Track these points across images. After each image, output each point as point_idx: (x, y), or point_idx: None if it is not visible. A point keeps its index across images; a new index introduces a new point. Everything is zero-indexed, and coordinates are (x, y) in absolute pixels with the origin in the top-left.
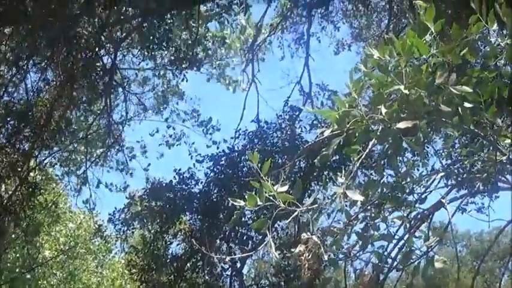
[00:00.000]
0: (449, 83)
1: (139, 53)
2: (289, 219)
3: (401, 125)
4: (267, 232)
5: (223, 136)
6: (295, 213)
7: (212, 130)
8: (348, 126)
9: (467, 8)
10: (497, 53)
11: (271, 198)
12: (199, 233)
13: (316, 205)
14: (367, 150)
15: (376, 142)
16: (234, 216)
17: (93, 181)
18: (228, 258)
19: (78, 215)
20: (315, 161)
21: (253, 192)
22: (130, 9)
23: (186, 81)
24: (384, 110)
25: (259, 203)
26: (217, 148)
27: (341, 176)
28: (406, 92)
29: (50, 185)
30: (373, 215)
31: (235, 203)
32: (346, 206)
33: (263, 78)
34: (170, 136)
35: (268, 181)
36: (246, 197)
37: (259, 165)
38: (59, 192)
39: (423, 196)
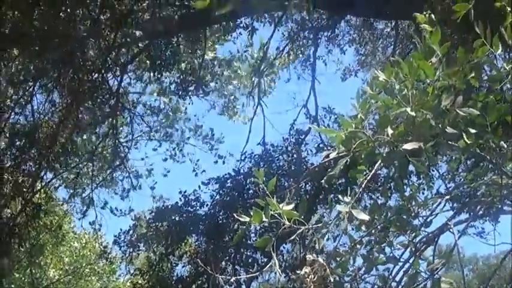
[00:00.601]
0: (455, 106)
1: (145, 75)
2: (293, 237)
3: (408, 146)
4: (272, 252)
5: (230, 159)
6: (300, 230)
7: (216, 144)
8: (354, 147)
9: (472, 32)
10: (502, 77)
11: (276, 216)
12: (205, 254)
13: (321, 224)
14: (373, 172)
15: (382, 164)
16: (239, 232)
17: (98, 203)
18: (233, 278)
19: (82, 235)
20: (322, 181)
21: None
22: (137, 31)
23: (192, 104)
24: (390, 132)
25: (264, 219)
26: (224, 163)
27: (347, 197)
28: (413, 114)
29: (55, 207)
30: (378, 238)
31: (241, 219)
32: (352, 229)
33: (269, 101)
34: (173, 149)
35: (274, 199)
36: (252, 213)
37: (264, 183)
38: (63, 214)
39: (428, 220)
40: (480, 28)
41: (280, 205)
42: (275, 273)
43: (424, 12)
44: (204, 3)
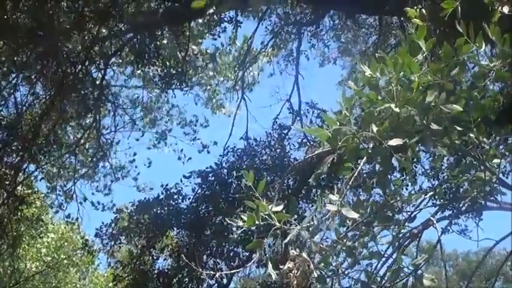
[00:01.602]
0: (439, 102)
1: (128, 68)
2: (287, 238)
3: (393, 142)
4: (260, 250)
5: (213, 154)
6: (294, 231)
7: (200, 128)
8: (340, 144)
9: (456, 30)
10: (486, 74)
11: (266, 217)
12: (186, 248)
13: (316, 224)
14: (359, 168)
15: (366, 160)
16: (235, 237)
17: (80, 196)
18: (218, 274)
19: (60, 227)
20: (306, 177)
21: (246, 211)
22: (121, 24)
23: (175, 97)
24: (375, 128)
25: (256, 222)
26: (208, 152)
27: (333, 194)
28: (397, 110)
29: (37, 199)
30: (362, 233)
31: (234, 224)
32: (337, 225)
33: (252, 95)
34: (156, 139)
35: (263, 200)
36: (242, 216)
37: (254, 183)
38: (44, 206)
39: (412, 215)
40: (463, 26)
41: (269, 206)
42: (256, 267)
43: (415, 7)
44: (200, 3)
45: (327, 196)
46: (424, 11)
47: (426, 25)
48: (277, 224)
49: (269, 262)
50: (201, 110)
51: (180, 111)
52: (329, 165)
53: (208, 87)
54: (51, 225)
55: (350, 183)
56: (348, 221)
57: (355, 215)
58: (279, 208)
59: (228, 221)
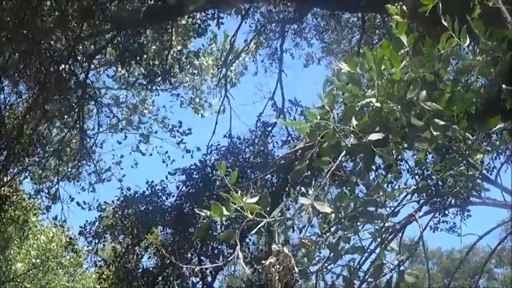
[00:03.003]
0: (420, 99)
1: (112, 66)
2: (254, 230)
3: (373, 136)
4: (237, 243)
5: (197, 155)
6: (262, 223)
7: (183, 135)
8: (319, 138)
9: (439, 24)
10: (469, 69)
11: (239, 209)
12: (171, 246)
13: (284, 216)
14: (337, 162)
15: (347, 155)
16: (200, 226)
17: (65, 196)
18: (197, 268)
19: (49, 228)
20: (288, 175)
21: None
22: (104, 23)
23: (158, 95)
24: (354, 122)
25: (225, 213)
26: (192, 157)
27: (311, 189)
28: (378, 104)
29: (22, 200)
30: (345, 228)
31: (202, 213)
32: (318, 219)
33: (236, 93)
34: (139, 142)
35: (237, 192)
36: (212, 207)
37: (227, 176)
38: (29, 207)
39: (395, 210)
40: (448, 21)
41: (244, 198)
42: (241, 267)
43: (396, 4)
44: None
45: (305, 191)
46: (404, 7)
47: (407, 21)
48: (249, 216)
49: (240, 256)
50: (184, 111)
51: (164, 111)
52: (308, 161)
53: (192, 86)
54: (40, 226)
55: (327, 176)
56: (331, 215)
57: (328, 210)
58: (253, 200)
59: (197, 211)
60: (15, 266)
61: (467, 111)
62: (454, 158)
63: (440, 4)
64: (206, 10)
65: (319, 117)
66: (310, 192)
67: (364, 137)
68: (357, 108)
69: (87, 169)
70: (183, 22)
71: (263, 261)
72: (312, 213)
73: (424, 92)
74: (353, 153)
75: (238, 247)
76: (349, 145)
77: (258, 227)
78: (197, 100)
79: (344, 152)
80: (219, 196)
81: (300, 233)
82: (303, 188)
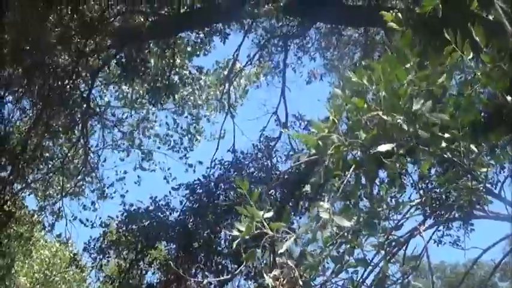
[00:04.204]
0: (425, 111)
1: (116, 81)
2: (284, 247)
3: (382, 148)
4: (254, 261)
5: (200, 168)
6: (288, 241)
7: (186, 151)
8: (330, 151)
9: (441, 38)
10: (472, 81)
11: (259, 225)
12: (175, 261)
13: (310, 232)
14: (348, 176)
15: (356, 168)
16: (234, 246)
17: (68, 212)
18: (205, 281)
19: (53, 243)
20: (307, 188)
21: (242, 219)
22: (107, 38)
23: (162, 110)
24: (363, 135)
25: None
26: (194, 172)
27: (325, 201)
28: (385, 117)
29: (26, 215)
30: (348, 240)
31: (231, 233)
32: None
33: (239, 108)
34: (142, 159)
35: (256, 209)
36: (237, 226)
37: (247, 192)
38: (33, 222)
39: (399, 223)
40: (450, 34)
41: (260, 213)
42: (245, 279)
43: (391, 11)
44: None
45: (318, 204)
46: (400, 15)
47: (409, 32)
48: (270, 232)
49: (264, 273)
50: (188, 124)
51: (167, 128)
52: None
53: (195, 100)
54: (43, 241)
55: (340, 190)
56: (334, 229)
57: (348, 223)
58: (269, 215)
59: (224, 230)
60: (19, 280)
61: (471, 123)
62: (457, 171)
63: (440, 12)
64: (210, 25)
65: (326, 130)
66: (325, 205)
67: (371, 149)
68: (363, 122)
69: (90, 186)
70: (187, 38)
71: (267, 275)
72: (332, 227)
73: (429, 103)
74: (361, 166)
75: (244, 265)
76: (357, 158)
77: (285, 246)
78: (200, 115)
79: (353, 166)
80: (223, 212)
81: (305, 246)
82: (306, 203)
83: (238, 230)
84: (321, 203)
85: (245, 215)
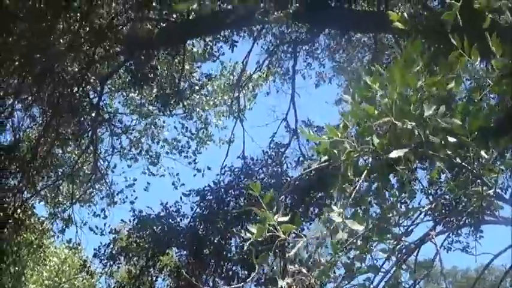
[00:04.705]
0: (438, 116)
1: (125, 87)
2: (295, 249)
3: (393, 154)
4: (266, 265)
5: (209, 173)
6: (300, 244)
7: (193, 156)
8: (343, 157)
9: (450, 43)
10: (482, 87)
11: (271, 228)
12: (186, 268)
13: (320, 235)
14: (360, 181)
15: (369, 174)
16: (245, 248)
17: (78, 219)
18: None
19: (62, 250)
20: (331, 191)
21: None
22: (117, 45)
23: (172, 116)
24: (376, 140)
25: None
26: (202, 176)
27: (337, 207)
28: (397, 123)
29: (36, 223)
30: (358, 247)
31: (243, 235)
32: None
33: (249, 114)
34: (150, 163)
35: (269, 212)
36: (249, 228)
37: (260, 195)
38: (43, 230)
39: (409, 229)
40: (456, 40)
41: (275, 217)
42: (255, 286)
43: (397, 11)
44: (185, 6)
45: (330, 209)
46: (405, 15)
47: (419, 39)
48: (282, 235)
49: (277, 278)
50: (197, 130)
51: (176, 132)
52: (319, 179)
53: (205, 107)
54: (53, 248)
55: (352, 195)
56: (345, 234)
57: (360, 227)
58: (285, 219)
59: (235, 232)
60: (29, 286)
61: (481, 129)
62: (467, 177)
63: (460, 21)
64: (219, 32)
65: (339, 134)
66: (336, 209)
67: (384, 155)
68: (374, 127)
69: (100, 193)
70: (196, 45)
71: (279, 282)
72: (345, 232)
73: (443, 108)
74: (371, 172)
75: (256, 271)
76: (369, 164)
77: (296, 248)
78: (210, 120)
79: (365, 171)
80: (233, 218)
81: (315, 253)
82: (316, 209)
83: (250, 232)
84: (333, 207)
85: (258, 218)
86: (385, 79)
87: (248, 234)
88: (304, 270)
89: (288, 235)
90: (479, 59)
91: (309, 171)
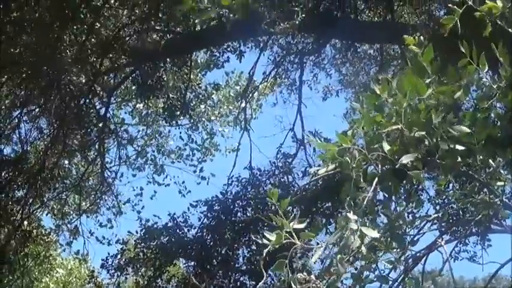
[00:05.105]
0: (447, 123)
1: (131, 100)
2: (316, 256)
3: (405, 159)
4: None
5: (214, 180)
6: (319, 252)
7: (198, 164)
8: (353, 165)
9: (458, 52)
10: (490, 96)
11: (287, 235)
12: (194, 278)
13: (339, 241)
14: (372, 189)
15: (380, 182)
16: (264, 255)
17: (85, 230)
18: None
19: (69, 261)
20: (342, 199)
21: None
22: (123, 56)
23: (179, 128)
24: (387, 147)
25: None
26: (207, 184)
27: (352, 214)
28: (406, 131)
29: (43, 235)
30: (364, 257)
31: (260, 241)
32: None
33: (255, 125)
34: (154, 172)
35: (285, 219)
36: (266, 235)
37: (277, 202)
38: (50, 241)
39: (415, 238)
40: (465, 48)
41: (291, 224)
42: None
43: (414, 35)
44: (206, 15)
45: (345, 216)
46: (422, 38)
47: (430, 48)
48: (298, 242)
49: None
50: (203, 141)
51: (183, 142)
52: (327, 188)
53: (211, 117)
54: (60, 259)
55: (365, 203)
56: (355, 244)
57: (376, 234)
58: (302, 226)
59: (254, 238)
60: None
61: (488, 137)
62: (474, 186)
63: (459, 27)
64: (225, 43)
65: (349, 142)
66: (351, 216)
67: (395, 161)
68: (383, 135)
69: (107, 203)
70: (202, 55)
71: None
72: (360, 239)
73: (451, 115)
74: (384, 179)
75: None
76: (379, 171)
77: (318, 255)
78: (216, 131)
79: (376, 179)
80: (241, 229)
81: (322, 263)
82: (324, 219)
83: (268, 239)
84: (349, 214)
85: (266, 228)
86: (394, 88)
87: (265, 241)
88: (314, 278)
89: (305, 243)
90: (486, 67)
91: (316, 180)
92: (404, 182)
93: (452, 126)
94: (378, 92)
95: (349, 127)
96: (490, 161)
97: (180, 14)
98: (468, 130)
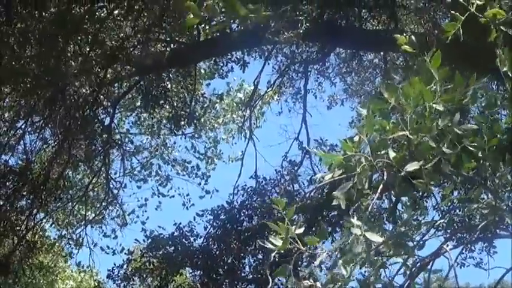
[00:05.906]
0: (453, 126)
1: (136, 111)
2: (318, 260)
3: (410, 167)
4: (290, 276)
5: (218, 194)
6: (322, 257)
7: (203, 177)
8: (358, 170)
9: (466, 61)
10: (497, 102)
11: (291, 241)
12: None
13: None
14: (377, 195)
15: (383, 189)
16: (270, 260)
17: (91, 241)
18: None
19: (77, 273)
20: (339, 205)
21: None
22: (128, 67)
23: (185, 138)
24: (392, 154)
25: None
26: (211, 198)
27: (356, 220)
28: (413, 137)
29: (49, 245)
30: (371, 263)
31: (266, 246)
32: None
33: (260, 134)
34: (159, 185)
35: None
36: (272, 240)
37: (284, 210)
38: (56, 252)
39: (421, 242)
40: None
41: (292, 228)
42: None
43: (405, 34)
44: (193, 20)
45: (349, 222)
46: (413, 37)
47: (439, 55)
48: (302, 247)
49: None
50: (209, 151)
51: (188, 153)
52: (328, 195)
53: (216, 127)
54: (68, 271)
55: (369, 208)
56: (363, 246)
57: (380, 239)
58: (300, 231)
59: (260, 244)
60: None
61: (495, 143)
62: (480, 191)
63: (461, 33)
64: (230, 53)
65: (354, 149)
66: (356, 222)
67: (400, 169)
68: (388, 142)
69: (111, 214)
70: (207, 65)
71: None
72: (365, 245)
73: (457, 116)
74: (389, 186)
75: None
76: (384, 178)
77: (320, 260)
78: (221, 141)
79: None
80: (247, 238)
81: (328, 269)
82: (330, 227)
83: (273, 244)
84: (352, 220)
85: (277, 232)
86: (400, 94)
87: (271, 246)
88: (319, 285)
89: (308, 250)
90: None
91: (321, 187)
92: (413, 188)
93: (459, 127)
94: (386, 96)
95: (355, 134)
96: (499, 166)
97: (184, 27)
98: (475, 127)
